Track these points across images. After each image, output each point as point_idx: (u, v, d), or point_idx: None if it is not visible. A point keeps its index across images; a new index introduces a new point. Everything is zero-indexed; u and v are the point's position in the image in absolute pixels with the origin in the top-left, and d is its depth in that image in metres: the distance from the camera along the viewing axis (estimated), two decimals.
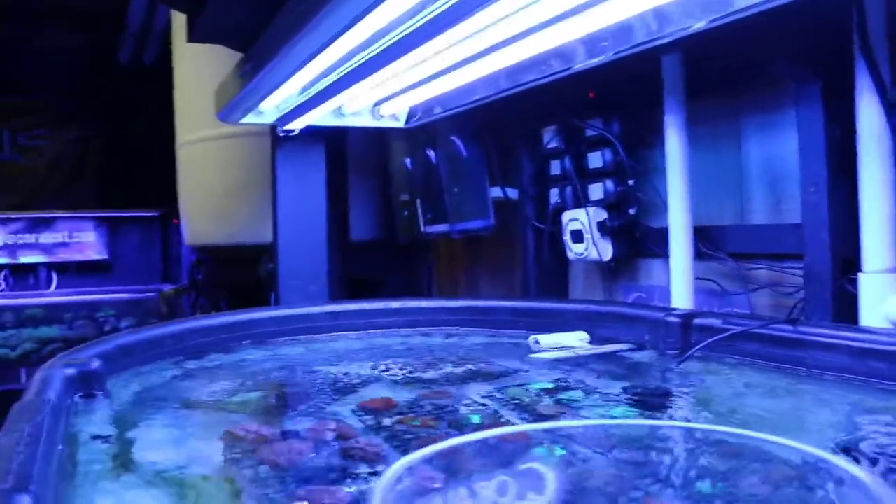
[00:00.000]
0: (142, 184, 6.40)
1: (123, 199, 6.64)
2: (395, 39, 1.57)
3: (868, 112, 1.53)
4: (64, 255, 6.36)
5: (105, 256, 6.46)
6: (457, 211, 2.65)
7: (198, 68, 3.21)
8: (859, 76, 1.53)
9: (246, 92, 1.78)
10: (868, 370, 1.28)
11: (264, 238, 2.80)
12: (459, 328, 2.24)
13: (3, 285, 6.13)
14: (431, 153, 2.68)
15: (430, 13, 1.41)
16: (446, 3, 1.36)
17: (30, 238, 6.27)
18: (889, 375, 1.24)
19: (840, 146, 1.61)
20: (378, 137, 3.09)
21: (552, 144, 2.34)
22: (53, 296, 6.02)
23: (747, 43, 1.74)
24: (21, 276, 6.26)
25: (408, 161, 2.89)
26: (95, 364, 1.22)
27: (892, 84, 1.52)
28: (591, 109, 2.22)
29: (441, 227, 2.74)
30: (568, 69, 1.83)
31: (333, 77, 1.81)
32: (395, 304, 2.27)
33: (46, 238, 6.32)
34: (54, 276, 6.34)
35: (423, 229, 2.88)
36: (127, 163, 6.97)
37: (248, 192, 3.12)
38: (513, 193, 2.55)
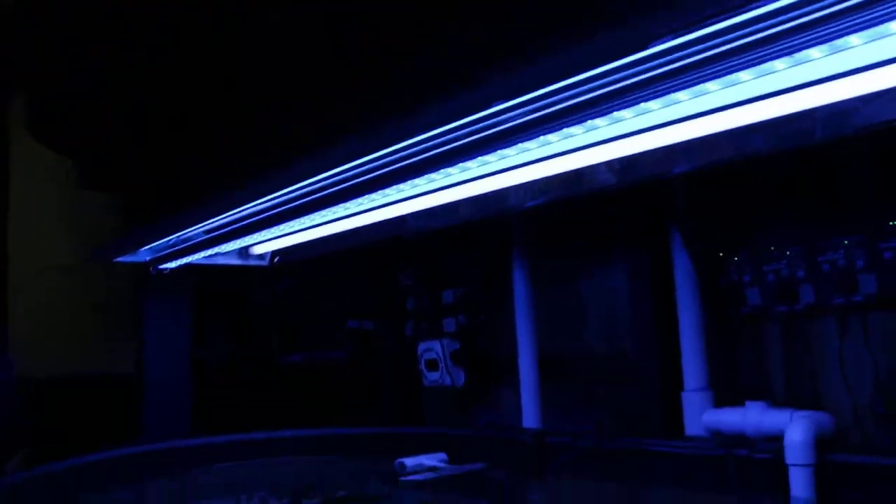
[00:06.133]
0: None
1: None
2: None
3: (682, 262, 1.88)
4: None
5: None
6: (313, 341, 2.78)
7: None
8: (674, 235, 1.89)
9: (131, 238, 1.85)
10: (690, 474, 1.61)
11: None
12: (331, 455, 2.35)
13: None
14: (291, 285, 2.82)
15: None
16: None
17: None
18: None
19: (662, 289, 1.94)
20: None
21: (408, 281, 2.57)
22: None
23: (591, 209, 2.06)
24: None
25: (270, 292, 3.01)
26: None
27: (696, 239, 1.88)
28: (447, 251, 2.47)
29: (296, 357, 2.85)
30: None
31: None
32: (259, 437, 2.37)
33: None
34: None
35: (280, 358, 2.97)
36: None
37: None
38: (367, 325, 2.72)
